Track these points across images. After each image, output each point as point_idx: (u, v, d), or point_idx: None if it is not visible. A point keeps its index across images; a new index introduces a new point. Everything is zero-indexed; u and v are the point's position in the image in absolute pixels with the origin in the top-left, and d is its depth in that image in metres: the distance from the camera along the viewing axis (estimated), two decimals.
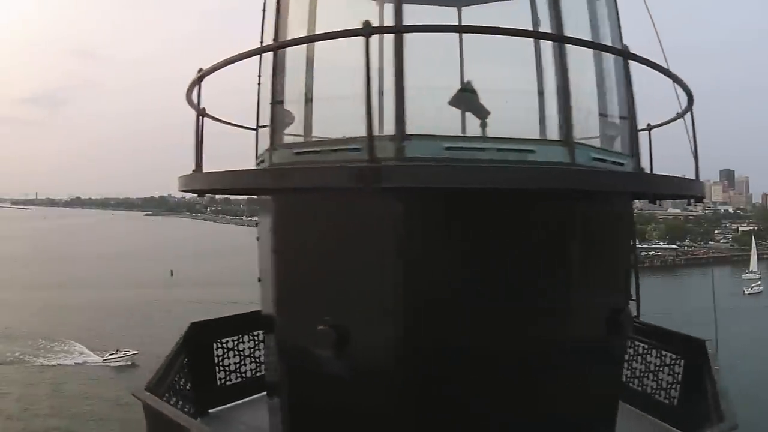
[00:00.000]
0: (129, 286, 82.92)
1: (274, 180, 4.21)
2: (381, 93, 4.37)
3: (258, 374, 6.94)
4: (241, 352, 6.91)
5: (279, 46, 4.81)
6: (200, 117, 4.94)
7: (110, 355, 49.60)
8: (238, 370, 6.84)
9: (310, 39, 4.29)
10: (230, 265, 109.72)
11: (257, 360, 6.99)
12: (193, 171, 4.87)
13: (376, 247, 3.95)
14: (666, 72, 4.42)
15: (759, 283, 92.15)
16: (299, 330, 4.28)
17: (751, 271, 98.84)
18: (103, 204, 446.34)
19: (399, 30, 3.94)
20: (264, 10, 5.54)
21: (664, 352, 6.35)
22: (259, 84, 5.36)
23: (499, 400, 4.01)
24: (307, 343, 4.03)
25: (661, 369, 6.33)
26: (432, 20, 5.52)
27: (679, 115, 4.91)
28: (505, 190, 3.70)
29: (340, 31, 3.99)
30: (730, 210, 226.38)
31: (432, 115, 4.65)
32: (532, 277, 4.06)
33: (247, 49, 4.54)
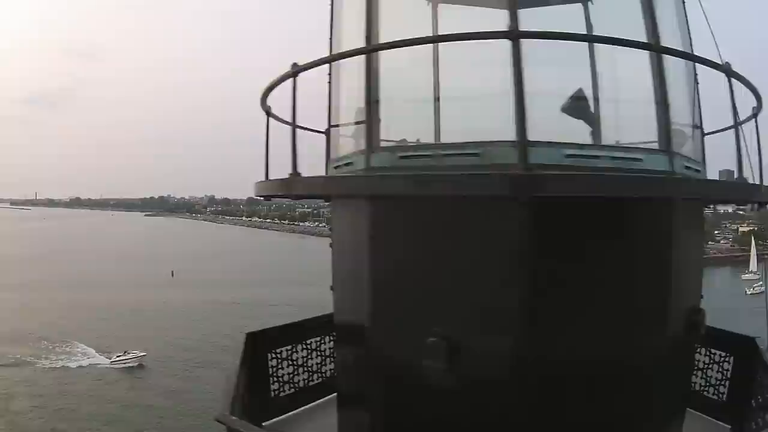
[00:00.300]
0: (130, 287, 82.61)
1: (417, 187, 3.86)
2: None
3: (310, 384, 6.82)
4: (294, 362, 6.73)
5: (394, 44, 4.59)
6: (293, 120, 4.65)
7: (118, 356, 48.92)
8: (291, 381, 6.67)
9: (440, 39, 4.06)
10: (229, 266, 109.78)
11: (309, 369, 6.86)
12: (290, 175, 4.63)
13: (497, 255, 3.87)
14: (744, 81, 4.46)
15: (761, 283, 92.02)
16: (402, 341, 4.15)
17: (751, 272, 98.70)
18: (103, 204, 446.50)
19: (545, 36, 3.99)
20: (331, 5, 5.48)
21: (713, 350, 6.46)
22: (329, 83, 5.22)
23: (607, 408, 4.01)
24: (413, 355, 3.90)
25: (710, 366, 6.45)
26: (488, 22, 5.47)
27: (738, 123, 4.82)
28: (625, 198, 3.77)
29: (484, 32, 3.91)
30: (729, 210, 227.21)
31: (543, 121, 4.69)
32: (643, 283, 4.11)
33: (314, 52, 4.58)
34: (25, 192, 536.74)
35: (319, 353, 6.95)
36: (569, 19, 5.38)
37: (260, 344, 6.46)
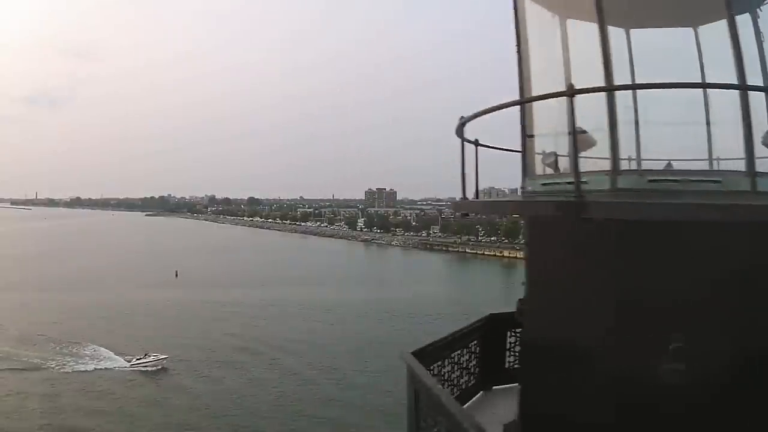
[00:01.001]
0: (138, 288, 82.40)
1: (725, 215, 4.14)
2: None
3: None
4: (442, 377, 6.70)
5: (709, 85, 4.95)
6: (575, 145, 4.54)
7: (138, 359, 46.84)
8: None
9: (705, 86, 4.49)
10: (233, 266, 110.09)
11: (453, 383, 6.90)
12: (576, 198, 4.46)
13: (730, 270, 4.35)
14: None
15: None
16: (643, 351, 4.44)
17: None
18: (103, 204, 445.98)
19: None
20: (516, 13, 5.73)
21: None
22: (522, 106, 5.45)
23: None
24: (654, 362, 4.29)
25: None
26: (664, 42, 5.71)
27: None
28: None
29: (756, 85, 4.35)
30: None
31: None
32: None
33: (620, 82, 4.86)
34: (26, 192, 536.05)
35: (458, 366, 7.04)
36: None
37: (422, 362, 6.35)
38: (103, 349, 50.39)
